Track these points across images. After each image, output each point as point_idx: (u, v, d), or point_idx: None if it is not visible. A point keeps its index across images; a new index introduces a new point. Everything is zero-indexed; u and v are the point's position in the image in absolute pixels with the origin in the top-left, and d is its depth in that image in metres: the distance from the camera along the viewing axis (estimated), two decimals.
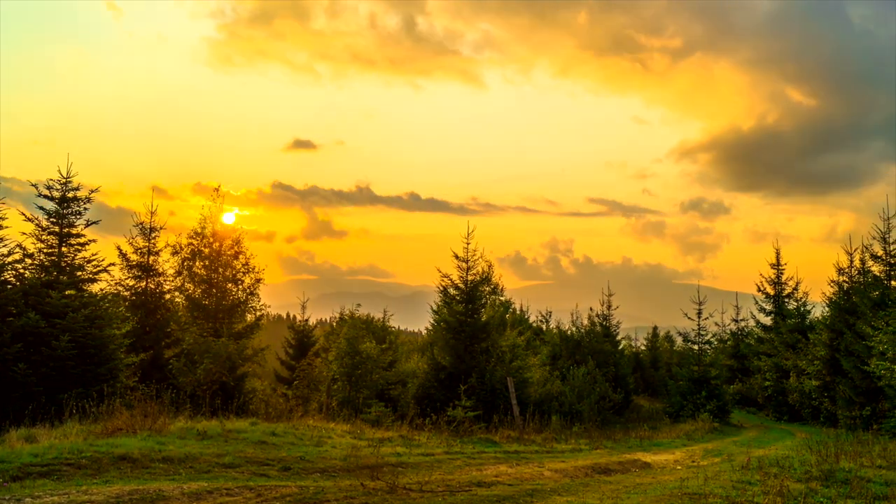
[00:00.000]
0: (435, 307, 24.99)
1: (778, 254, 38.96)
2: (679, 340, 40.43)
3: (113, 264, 19.79)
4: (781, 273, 39.01)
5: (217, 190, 24.10)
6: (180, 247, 23.38)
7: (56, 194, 17.81)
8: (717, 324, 41.57)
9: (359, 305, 30.51)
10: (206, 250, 23.19)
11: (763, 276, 39.30)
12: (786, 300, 38.37)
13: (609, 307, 37.69)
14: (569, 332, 36.91)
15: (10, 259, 17.06)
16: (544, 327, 42.28)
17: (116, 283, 22.46)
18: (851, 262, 28.65)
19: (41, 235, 17.60)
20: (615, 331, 37.66)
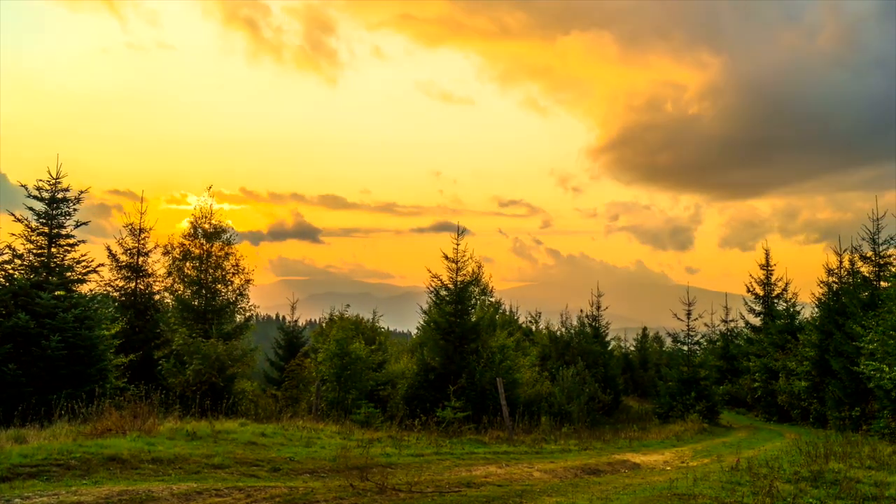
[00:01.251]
0: (424, 308, 24.96)
1: (767, 255, 38.99)
2: (668, 341, 40.47)
3: (102, 265, 19.74)
4: (771, 274, 39.05)
5: (209, 190, 24.07)
6: (171, 247, 23.35)
7: (45, 195, 17.74)
8: (706, 324, 41.46)
9: (348, 306, 30.53)
10: (197, 251, 23.15)
11: (752, 277, 39.27)
12: (775, 301, 38.39)
13: (598, 308, 37.80)
14: (558, 332, 36.94)
15: None
16: (534, 328, 42.31)
17: (106, 284, 22.43)
18: (840, 262, 28.79)
19: (30, 236, 17.53)
20: (605, 331, 37.72)
